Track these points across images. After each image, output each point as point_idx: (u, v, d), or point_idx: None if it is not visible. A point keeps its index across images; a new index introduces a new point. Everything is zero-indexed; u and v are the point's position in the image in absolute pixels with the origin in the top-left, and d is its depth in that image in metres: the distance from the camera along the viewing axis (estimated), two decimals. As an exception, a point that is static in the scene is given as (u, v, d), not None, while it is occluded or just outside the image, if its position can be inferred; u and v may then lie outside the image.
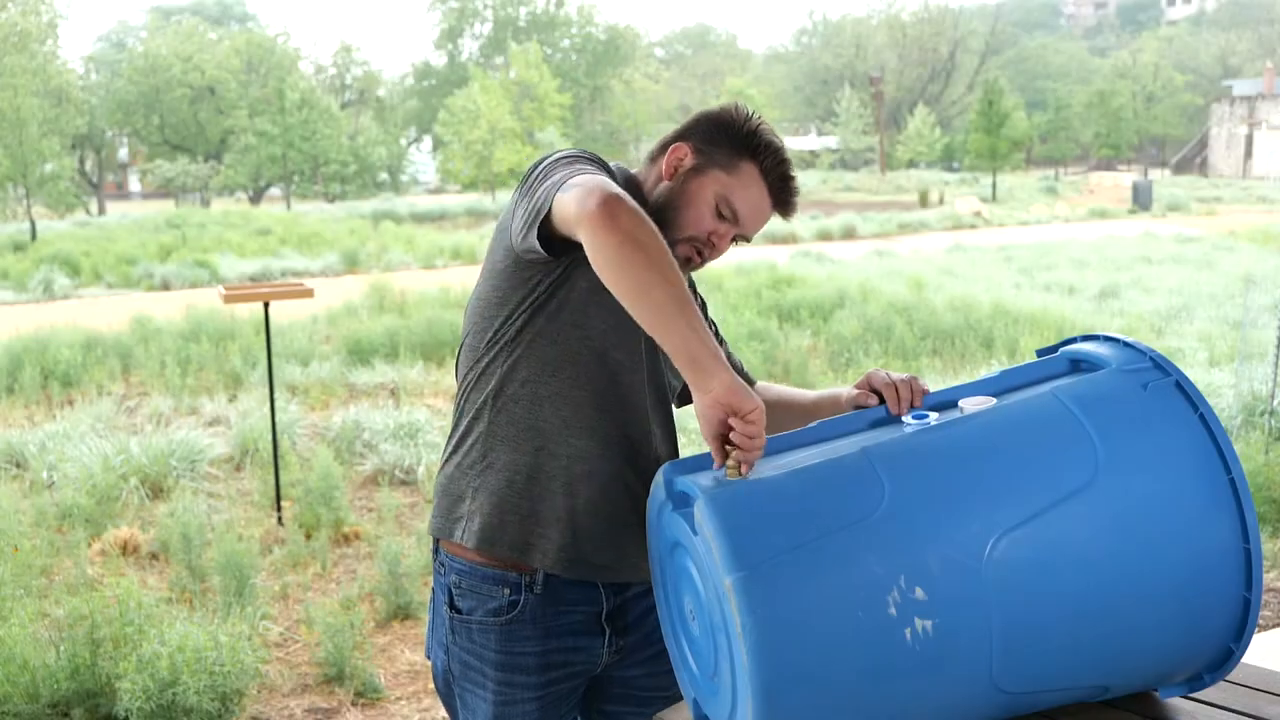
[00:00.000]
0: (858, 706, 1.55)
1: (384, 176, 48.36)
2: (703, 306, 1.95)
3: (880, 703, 1.55)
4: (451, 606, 1.78)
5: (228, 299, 5.39)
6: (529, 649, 1.76)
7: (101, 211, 40.64)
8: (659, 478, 1.70)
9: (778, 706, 1.49)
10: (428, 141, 56.38)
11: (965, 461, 1.59)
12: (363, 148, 44.39)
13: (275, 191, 46.29)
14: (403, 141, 51.89)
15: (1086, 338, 1.78)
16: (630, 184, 1.77)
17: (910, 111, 53.77)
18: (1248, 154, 49.91)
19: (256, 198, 45.04)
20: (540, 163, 1.69)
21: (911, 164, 51.19)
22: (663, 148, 1.77)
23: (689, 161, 1.74)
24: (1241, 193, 36.27)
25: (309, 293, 5.70)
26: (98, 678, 3.48)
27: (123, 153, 53.61)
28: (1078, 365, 1.74)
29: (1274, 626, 4.14)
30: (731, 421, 1.48)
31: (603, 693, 1.89)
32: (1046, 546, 1.53)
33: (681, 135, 1.76)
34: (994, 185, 35.32)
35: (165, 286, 16.21)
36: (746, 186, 1.72)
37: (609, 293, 1.52)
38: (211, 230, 23.28)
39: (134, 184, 58.40)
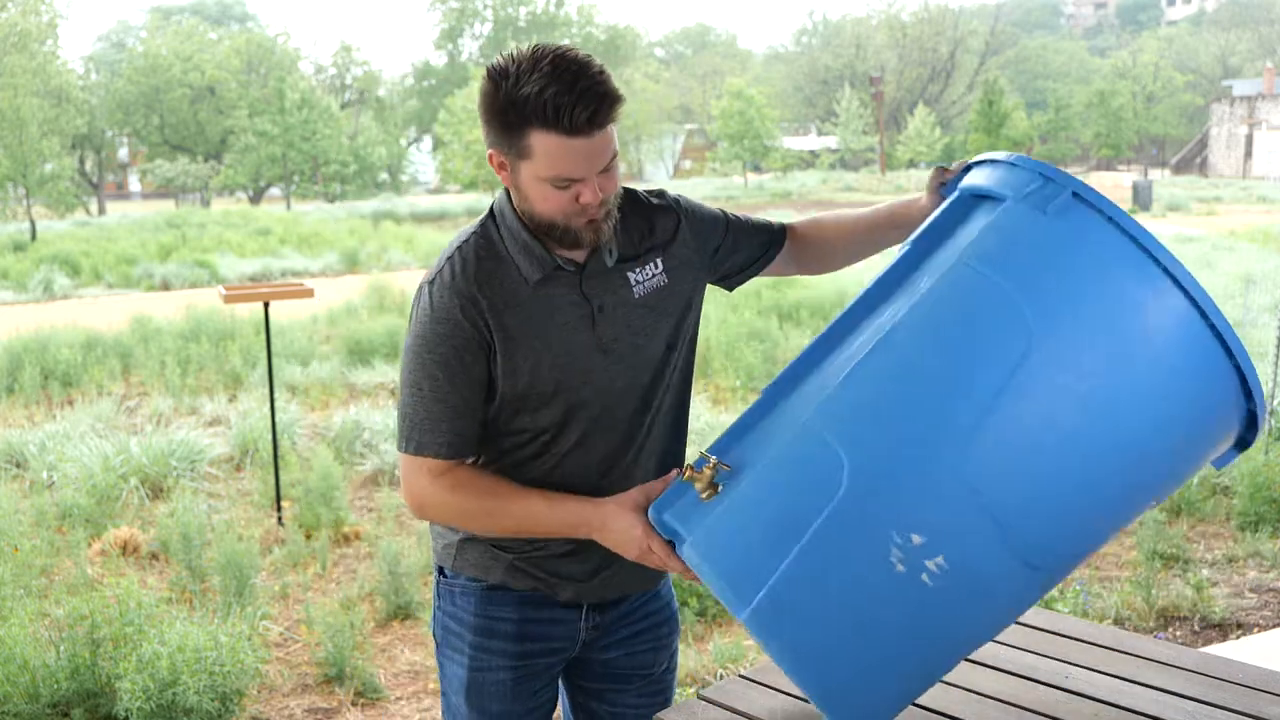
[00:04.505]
0: (918, 656, 1.56)
1: (384, 176, 48.34)
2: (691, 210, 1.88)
3: (935, 643, 1.56)
4: (440, 571, 1.85)
5: (228, 299, 5.39)
6: (507, 615, 1.79)
7: (101, 211, 40.63)
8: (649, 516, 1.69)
9: (838, 700, 1.53)
10: (428, 141, 56.38)
11: (901, 390, 1.52)
12: (363, 148, 44.37)
13: (275, 191, 46.28)
14: (403, 141, 51.92)
15: (979, 163, 1.69)
16: (509, 210, 1.71)
17: (910, 111, 53.76)
18: (1248, 154, 49.88)
19: (256, 198, 45.03)
20: (410, 326, 1.70)
21: (912, 164, 51.13)
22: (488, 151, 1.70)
23: (504, 168, 1.65)
24: (1241, 193, 36.24)
25: (309, 293, 5.70)
26: (98, 678, 3.48)
27: (123, 153, 53.58)
28: (980, 201, 1.63)
29: (1274, 626, 4.14)
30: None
31: (582, 672, 1.92)
32: (1019, 433, 1.46)
33: (485, 138, 1.66)
34: (994, 185, 35.30)
35: (165, 286, 16.22)
36: (550, 153, 1.57)
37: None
38: (211, 230, 23.27)
39: (134, 184, 58.40)
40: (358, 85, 54.73)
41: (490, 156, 1.66)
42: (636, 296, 1.74)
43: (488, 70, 1.60)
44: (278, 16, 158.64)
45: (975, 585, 1.51)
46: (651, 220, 1.80)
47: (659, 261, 1.78)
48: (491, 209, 1.74)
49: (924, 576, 1.47)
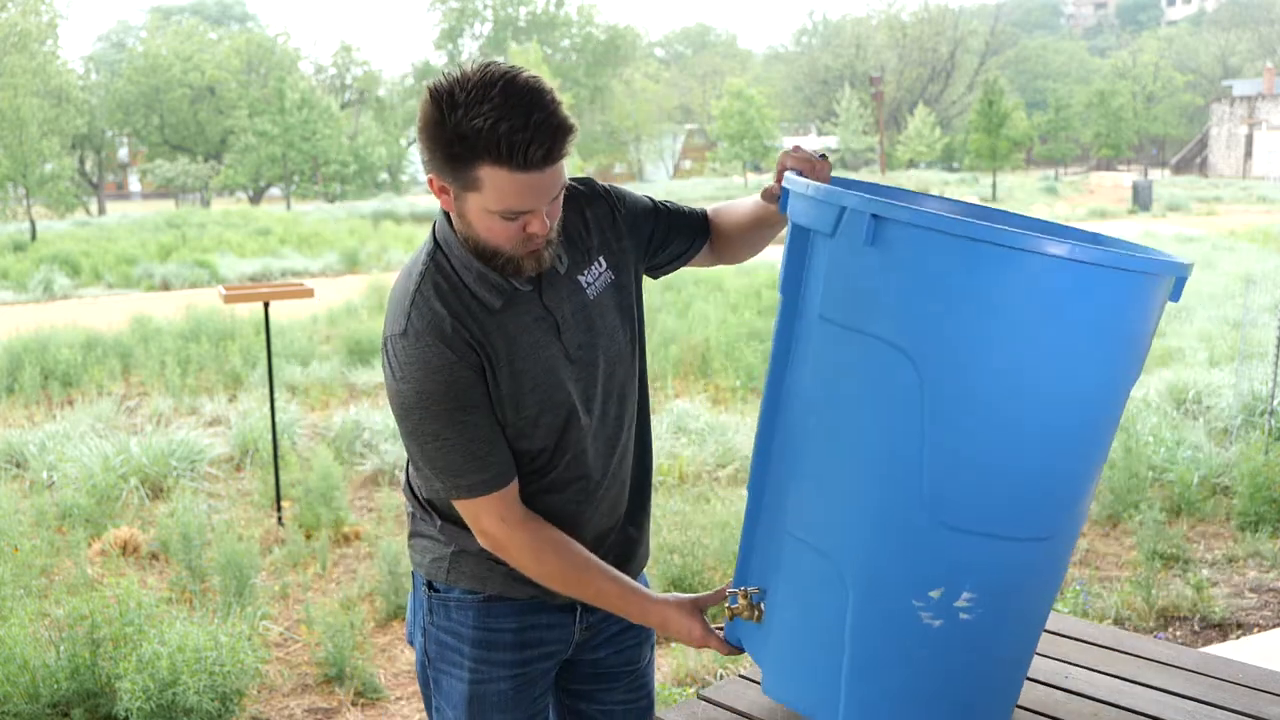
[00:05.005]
0: (1005, 667, 1.63)
1: (384, 176, 48.32)
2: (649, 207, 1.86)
3: (1010, 647, 1.62)
4: (430, 586, 1.81)
5: (228, 299, 5.39)
6: (507, 625, 1.78)
7: (101, 211, 40.61)
8: None
9: None
10: (428, 141, 56.23)
11: (845, 474, 1.54)
12: (363, 148, 44.34)
13: (275, 191, 46.25)
14: (403, 141, 51.86)
15: (789, 190, 1.64)
16: (454, 240, 1.65)
17: (910, 111, 53.74)
18: (1248, 154, 49.86)
19: (256, 198, 45.01)
20: (399, 386, 1.61)
21: (912, 164, 51.11)
22: (426, 174, 1.62)
23: (446, 193, 1.58)
24: (1241, 193, 36.24)
25: (309, 293, 5.70)
26: (98, 678, 3.48)
27: (123, 153, 53.54)
28: (808, 234, 1.59)
29: (1274, 626, 4.14)
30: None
31: (572, 673, 1.92)
32: (963, 461, 1.46)
33: (425, 162, 1.58)
34: (994, 185, 35.29)
35: (165, 286, 16.21)
36: (499, 187, 1.51)
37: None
38: (211, 230, 23.26)
39: (134, 184, 58.35)
40: (358, 85, 54.70)
41: (430, 181, 1.58)
42: (591, 299, 1.73)
43: (430, 93, 1.51)
44: (278, 16, 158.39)
45: (1009, 588, 1.54)
46: (584, 213, 1.75)
47: (602, 260, 1.76)
48: (435, 240, 1.67)
49: (962, 616, 1.50)
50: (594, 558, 1.71)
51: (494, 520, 1.66)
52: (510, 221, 1.55)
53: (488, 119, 1.46)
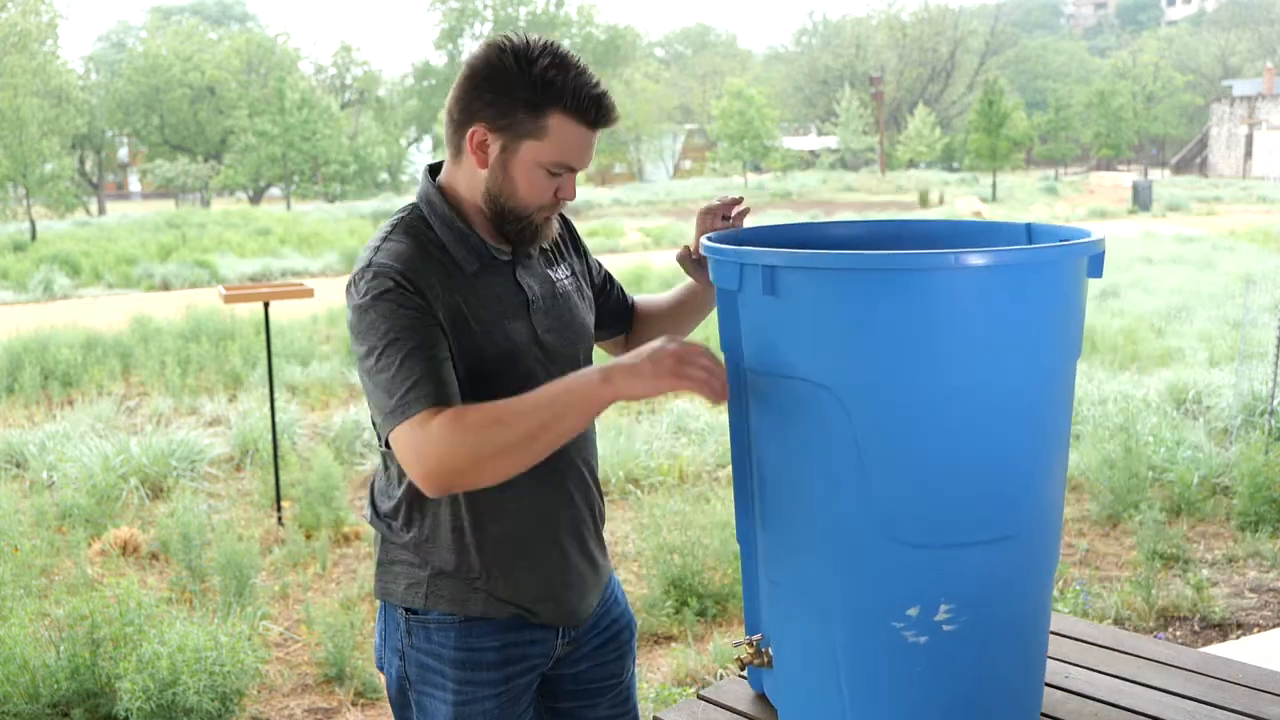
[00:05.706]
0: (1014, 672, 1.65)
1: (384, 176, 48.32)
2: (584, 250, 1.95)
3: (1012, 650, 1.63)
4: (407, 609, 1.75)
5: (228, 299, 5.39)
6: (489, 644, 1.75)
7: (101, 211, 40.62)
8: None
9: None
10: (428, 141, 56.41)
11: (801, 515, 1.59)
12: (363, 148, 44.36)
13: (275, 191, 46.27)
14: (403, 141, 51.94)
15: (705, 248, 1.72)
16: (438, 199, 1.67)
17: (910, 111, 53.74)
18: (1248, 154, 49.86)
19: (256, 198, 45.02)
20: (354, 314, 1.59)
21: (911, 164, 51.14)
22: (457, 131, 1.64)
23: (495, 145, 1.61)
24: (1241, 193, 36.25)
25: (309, 293, 5.70)
26: (98, 678, 3.48)
27: (123, 153, 53.57)
28: (727, 293, 1.67)
29: (1274, 626, 4.14)
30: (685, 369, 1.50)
31: (554, 690, 1.89)
32: (912, 482, 1.50)
33: (470, 114, 1.61)
34: (994, 185, 35.29)
35: (165, 286, 16.21)
36: (564, 138, 1.61)
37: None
38: (211, 230, 23.28)
39: (134, 184, 58.37)
40: (358, 85, 54.72)
41: (472, 134, 1.60)
42: (559, 290, 1.78)
43: (499, 48, 1.60)
44: (278, 16, 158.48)
45: (987, 592, 1.54)
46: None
47: (569, 265, 1.85)
48: (415, 203, 1.71)
49: (946, 628, 1.52)
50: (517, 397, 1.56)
51: (423, 431, 1.50)
52: (554, 178, 1.65)
53: (570, 72, 1.60)
